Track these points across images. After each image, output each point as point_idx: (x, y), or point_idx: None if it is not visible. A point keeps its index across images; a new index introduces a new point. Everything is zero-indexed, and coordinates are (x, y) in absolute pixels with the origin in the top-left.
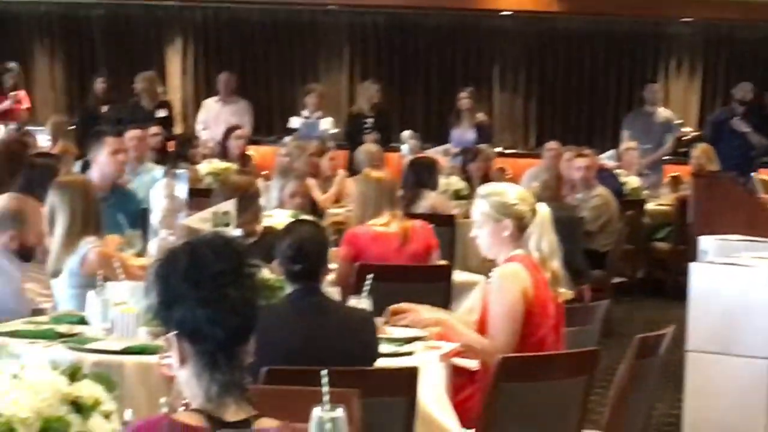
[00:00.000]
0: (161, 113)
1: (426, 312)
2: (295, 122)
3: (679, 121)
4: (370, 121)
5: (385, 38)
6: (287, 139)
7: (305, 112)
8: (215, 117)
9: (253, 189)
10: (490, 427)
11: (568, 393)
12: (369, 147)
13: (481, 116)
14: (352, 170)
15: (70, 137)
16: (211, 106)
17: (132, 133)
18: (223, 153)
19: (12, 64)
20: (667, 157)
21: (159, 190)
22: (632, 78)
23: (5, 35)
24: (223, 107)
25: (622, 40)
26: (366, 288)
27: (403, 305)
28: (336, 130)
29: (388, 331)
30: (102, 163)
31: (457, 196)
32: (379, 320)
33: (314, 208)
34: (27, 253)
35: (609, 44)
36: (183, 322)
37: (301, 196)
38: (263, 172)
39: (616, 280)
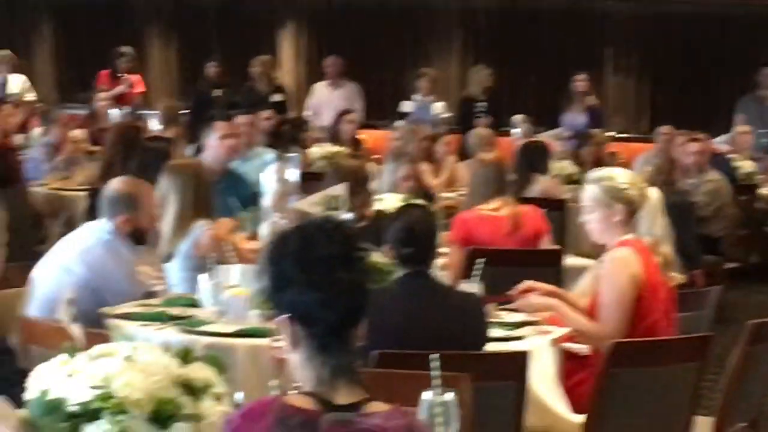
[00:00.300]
0: (276, 97)
1: (537, 297)
2: (407, 106)
3: None
4: (481, 105)
5: (496, 21)
6: (399, 122)
7: (417, 96)
8: (325, 101)
9: (364, 173)
10: (600, 413)
11: (680, 379)
12: (481, 131)
13: (593, 100)
14: (463, 155)
15: (181, 121)
16: (320, 90)
17: (242, 118)
18: (334, 137)
19: (126, 49)
20: None
21: (271, 173)
22: (747, 61)
23: (120, 20)
24: (333, 91)
25: (736, 22)
26: (476, 272)
27: (531, 283)
28: (448, 114)
29: (499, 315)
30: (213, 147)
31: (569, 180)
32: (489, 304)
33: (426, 192)
34: (140, 237)
35: (723, 27)
36: (294, 305)
37: (413, 180)
38: (374, 156)
39: (730, 265)
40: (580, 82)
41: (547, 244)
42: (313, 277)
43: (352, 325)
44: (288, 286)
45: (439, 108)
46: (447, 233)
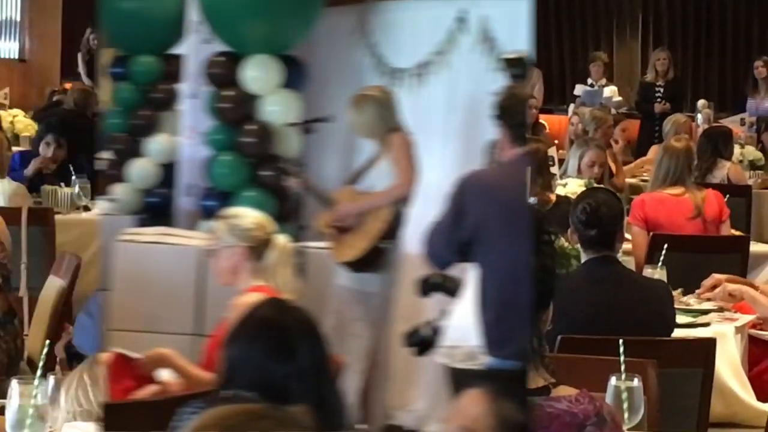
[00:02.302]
0: None
1: (729, 284)
2: (578, 90)
3: None
4: (661, 89)
5: (679, 5)
6: (572, 107)
7: (590, 80)
8: None
9: (545, 157)
10: None
11: None
12: (677, 117)
13: None
14: (640, 140)
15: None
16: None
17: None
18: None
19: None
20: None
21: None
22: None
23: None
24: None
25: None
26: (661, 258)
27: (718, 277)
28: (619, 99)
29: (688, 302)
30: None
31: (753, 166)
32: (675, 291)
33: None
34: None
35: None
36: None
37: (600, 165)
38: (555, 141)
39: None
40: (761, 67)
41: (726, 229)
42: None
43: (539, 308)
44: None
45: (609, 92)
46: (628, 218)
